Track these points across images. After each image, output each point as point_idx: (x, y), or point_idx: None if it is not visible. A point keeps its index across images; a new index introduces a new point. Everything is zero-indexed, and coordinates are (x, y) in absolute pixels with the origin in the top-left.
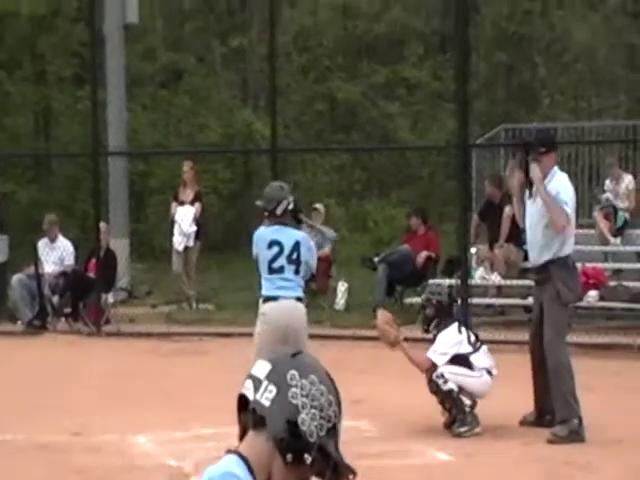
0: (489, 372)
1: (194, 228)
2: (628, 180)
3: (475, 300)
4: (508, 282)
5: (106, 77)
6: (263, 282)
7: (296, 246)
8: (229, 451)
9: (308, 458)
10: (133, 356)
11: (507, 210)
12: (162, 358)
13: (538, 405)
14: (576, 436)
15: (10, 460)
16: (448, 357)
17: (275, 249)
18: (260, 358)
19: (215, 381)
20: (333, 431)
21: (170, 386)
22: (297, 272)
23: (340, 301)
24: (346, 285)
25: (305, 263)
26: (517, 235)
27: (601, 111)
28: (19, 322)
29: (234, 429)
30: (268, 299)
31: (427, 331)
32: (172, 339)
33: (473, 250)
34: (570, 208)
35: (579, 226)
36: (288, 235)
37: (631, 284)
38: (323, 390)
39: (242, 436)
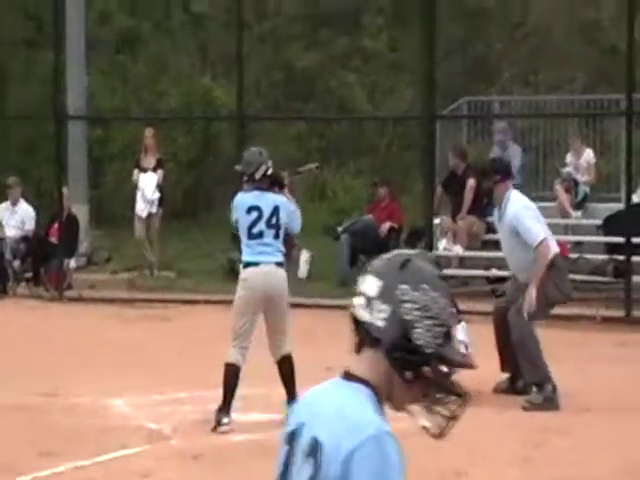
0: (466, 346)
1: (157, 195)
2: (589, 154)
3: None
4: (471, 253)
5: (65, 40)
6: (243, 248)
7: (275, 211)
8: (349, 376)
9: (428, 371)
10: (97, 321)
11: (470, 182)
12: (126, 324)
13: (509, 371)
14: (550, 403)
15: None
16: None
17: (254, 214)
18: (241, 323)
19: (183, 346)
20: (449, 335)
21: (139, 351)
22: (277, 237)
23: (303, 270)
24: (309, 254)
25: (285, 226)
26: (479, 207)
27: (558, 86)
28: None
29: (208, 393)
30: (248, 264)
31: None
32: (135, 305)
33: (436, 221)
34: (535, 219)
35: (539, 198)
36: (267, 200)
37: (592, 256)
38: (435, 297)
39: (357, 349)
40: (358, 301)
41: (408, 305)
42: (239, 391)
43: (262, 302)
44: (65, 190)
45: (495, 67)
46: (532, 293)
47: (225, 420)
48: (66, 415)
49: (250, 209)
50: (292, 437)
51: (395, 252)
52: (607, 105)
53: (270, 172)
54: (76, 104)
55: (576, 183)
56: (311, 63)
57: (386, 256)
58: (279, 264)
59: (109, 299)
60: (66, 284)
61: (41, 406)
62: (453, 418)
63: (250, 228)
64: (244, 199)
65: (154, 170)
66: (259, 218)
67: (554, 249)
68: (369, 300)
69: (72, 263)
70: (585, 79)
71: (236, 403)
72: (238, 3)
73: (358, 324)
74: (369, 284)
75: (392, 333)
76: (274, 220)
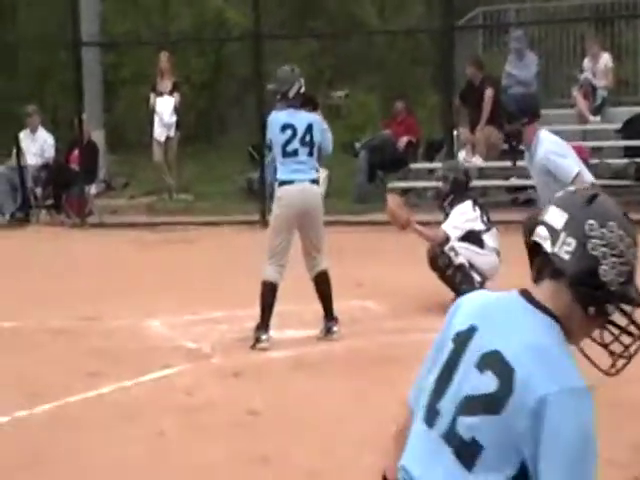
0: (498, 253)
1: (174, 118)
2: (606, 58)
3: None
4: (490, 164)
5: None
6: (278, 166)
7: (309, 129)
8: (533, 300)
9: (610, 307)
10: (121, 246)
11: (488, 92)
12: (150, 247)
13: None
14: None
15: (24, 342)
16: (461, 232)
17: (288, 132)
18: (277, 241)
19: (209, 268)
20: (632, 274)
21: (167, 274)
22: (311, 154)
23: (321, 188)
24: (326, 172)
25: (319, 145)
26: (497, 117)
27: None
28: (1, 214)
29: (243, 312)
30: (283, 183)
31: (441, 207)
32: (156, 229)
33: (454, 133)
34: (566, 155)
35: (556, 105)
36: (300, 118)
37: (612, 161)
38: (622, 235)
39: (536, 277)
40: (541, 231)
41: (595, 241)
42: (275, 308)
43: (298, 219)
44: (84, 116)
45: None
46: None
47: (264, 337)
48: (106, 338)
49: (284, 127)
50: (461, 338)
51: (580, 187)
52: (617, 8)
53: (303, 90)
54: (89, 30)
55: (594, 88)
56: None
57: (571, 189)
58: (313, 181)
59: (130, 224)
60: (87, 210)
61: (80, 330)
62: (629, 356)
63: (284, 146)
64: (278, 117)
65: (170, 94)
66: (293, 136)
67: (589, 179)
68: (554, 231)
69: (93, 189)
70: None
71: (272, 320)
72: None
73: (536, 253)
74: (554, 215)
75: (578, 267)
76: (308, 138)
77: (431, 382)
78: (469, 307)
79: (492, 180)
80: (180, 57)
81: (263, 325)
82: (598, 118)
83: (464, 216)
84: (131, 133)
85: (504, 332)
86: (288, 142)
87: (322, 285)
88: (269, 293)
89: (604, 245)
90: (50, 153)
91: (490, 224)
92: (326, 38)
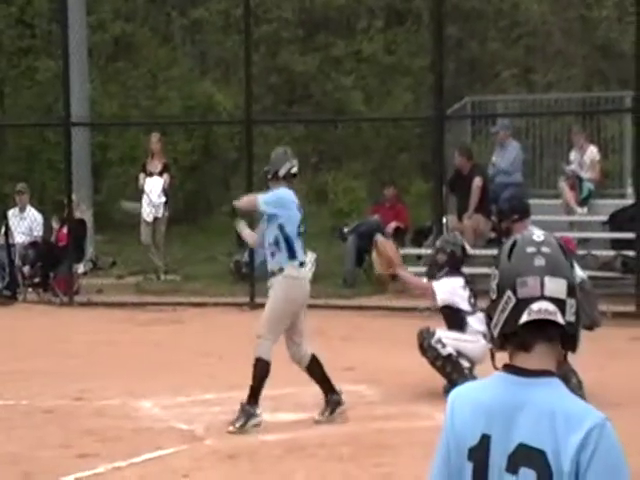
0: (484, 336)
1: (163, 199)
2: (592, 151)
3: None
4: (477, 252)
5: (68, 48)
6: (293, 246)
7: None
8: (529, 372)
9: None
10: (110, 325)
11: (476, 181)
12: (140, 327)
13: None
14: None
15: (20, 422)
16: (447, 297)
17: (300, 212)
18: (284, 323)
19: (200, 348)
20: None
21: (157, 354)
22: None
23: (308, 271)
24: (314, 255)
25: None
26: (485, 205)
27: (555, 84)
28: None
29: (235, 394)
30: (302, 264)
31: (433, 277)
32: (145, 309)
33: (443, 220)
34: None
35: (541, 196)
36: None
37: (599, 253)
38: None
39: (529, 346)
40: (546, 307)
41: (577, 289)
42: (268, 392)
43: (301, 306)
44: (74, 196)
45: (490, 66)
46: None
47: (258, 411)
48: (97, 417)
49: (299, 206)
50: (478, 454)
51: (537, 237)
52: (604, 102)
53: (295, 171)
54: (78, 111)
55: (580, 180)
56: (307, 67)
57: (541, 249)
58: None
59: (118, 303)
60: (75, 289)
61: (71, 409)
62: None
63: (299, 226)
64: (290, 195)
65: (160, 174)
66: (302, 218)
67: (579, 274)
68: (560, 302)
69: (80, 268)
70: (582, 77)
71: (266, 403)
72: (245, 9)
73: (533, 327)
74: (554, 286)
75: (577, 320)
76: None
77: None
78: (468, 414)
79: (479, 268)
80: (168, 140)
81: (256, 401)
82: (585, 210)
83: (455, 290)
84: (118, 213)
85: (516, 423)
86: (301, 222)
87: (318, 369)
88: (266, 371)
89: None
90: (39, 231)
91: (476, 307)
92: (315, 124)
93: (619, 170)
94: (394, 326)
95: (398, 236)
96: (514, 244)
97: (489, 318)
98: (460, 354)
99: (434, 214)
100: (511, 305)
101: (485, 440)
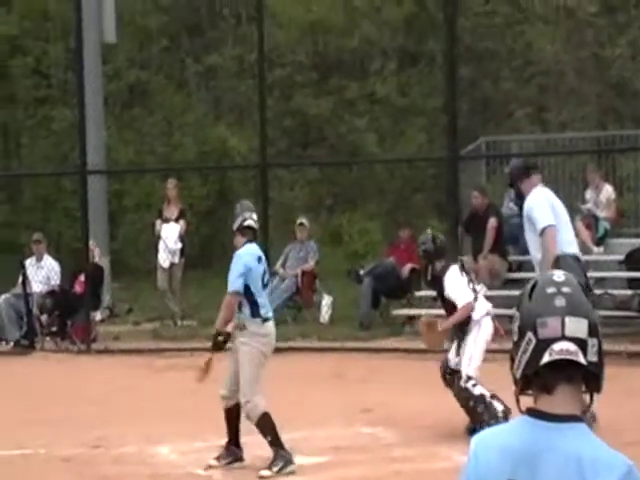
0: (489, 314)
1: (179, 245)
2: (608, 190)
3: None
4: (493, 292)
5: (84, 97)
6: (258, 300)
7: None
8: (554, 416)
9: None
10: (128, 372)
11: (491, 221)
12: (158, 373)
13: None
14: None
15: (39, 472)
16: (471, 291)
17: (263, 265)
18: (259, 375)
19: (217, 393)
20: None
21: (175, 400)
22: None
23: (325, 314)
24: (330, 298)
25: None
26: (501, 246)
27: (569, 123)
28: (5, 342)
29: (250, 438)
30: (267, 319)
31: (427, 282)
32: (163, 355)
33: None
34: (545, 212)
35: None
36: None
37: (616, 292)
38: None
39: (551, 388)
40: (568, 347)
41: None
42: (286, 436)
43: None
44: (92, 243)
45: (504, 106)
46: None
47: (288, 456)
48: (115, 465)
49: (259, 259)
50: None
51: (557, 277)
52: (619, 141)
53: (248, 223)
54: (94, 159)
55: (596, 219)
56: (321, 110)
57: (562, 289)
58: None
59: (136, 350)
60: (92, 337)
61: (88, 457)
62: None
63: (262, 278)
64: (247, 253)
65: (176, 220)
66: (265, 269)
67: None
68: (582, 341)
69: (97, 315)
70: (596, 116)
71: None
72: (259, 53)
73: (555, 368)
74: (575, 326)
75: (601, 360)
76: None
77: None
78: (494, 460)
79: (496, 309)
80: (184, 185)
81: (282, 446)
82: (601, 249)
83: (460, 280)
84: (133, 260)
85: (542, 468)
86: (264, 274)
87: (238, 413)
88: (270, 421)
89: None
90: (56, 280)
91: (475, 291)
92: (329, 167)
93: (634, 209)
94: (410, 368)
95: (414, 278)
96: (535, 285)
97: (512, 360)
98: (494, 396)
99: (449, 255)
100: (532, 346)
101: None
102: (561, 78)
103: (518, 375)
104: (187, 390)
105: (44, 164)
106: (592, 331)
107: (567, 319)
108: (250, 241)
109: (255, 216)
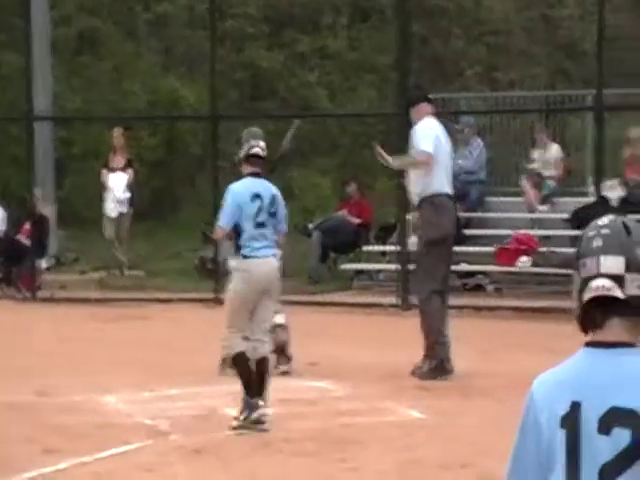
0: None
1: (127, 195)
2: (555, 149)
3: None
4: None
5: (31, 42)
6: (245, 238)
7: (274, 200)
8: (610, 344)
9: None
10: (74, 321)
11: None
12: (105, 323)
13: None
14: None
15: None
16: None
17: (257, 202)
18: (236, 319)
19: (166, 344)
20: None
21: (123, 349)
22: (274, 228)
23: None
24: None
25: (283, 218)
26: None
27: (518, 82)
28: None
29: (200, 389)
30: (248, 257)
31: None
32: (109, 304)
33: (407, 217)
34: (428, 140)
35: (505, 194)
36: (265, 188)
37: (560, 250)
38: None
39: (600, 322)
40: (604, 283)
41: None
42: (233, 387)
43: (260, 294)
44: (37, 191)
45: (454, 64)
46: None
47: (261, 402)
48: (61, 413)
49: (254, 196)
50: (570, 420)
51: (602, 221)
52: (567, 101)
53: (255, 151)
54: (41, 106)
55: (542, 178)
56: (272, 63)
57: (601, 231)
58: (274, 256)
59: (82, 299)
60: (37, 285)
61: (34, 405)
62: None
63: (255, 217)
64: (238, 190)
65: (123, 170)
66: (261, 206)
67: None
68: (619, 278)
69: (43, 264)
70: (545, 76)
71: (230, 398)
72: (210, 3)
73: (595, 306)
74: (611, 264)
75: None
76: (273, 209)
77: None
78: (552, 389)
79: None
80: (132, 135)
81: (249, 393)
82: (546, 207)
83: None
84: (81, 208)
85: (604, 387)
86: (258, 212)
87: (263, 369)
88: (245, 364)
89: None
90: (2, 226)
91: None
92: (280, 120)
93: (581, 168)
94: (358, 322)
95: (362, 233)
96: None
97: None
98: None
99: (397, 211)
100: (577, 286)
101: (576, 407)
102: (510, 38)
103: (575, 316)
104: (134, 340)
105: None
106: (631, 267)
107: (602, 257)
108: (256, 174)
109: (263, 144)
